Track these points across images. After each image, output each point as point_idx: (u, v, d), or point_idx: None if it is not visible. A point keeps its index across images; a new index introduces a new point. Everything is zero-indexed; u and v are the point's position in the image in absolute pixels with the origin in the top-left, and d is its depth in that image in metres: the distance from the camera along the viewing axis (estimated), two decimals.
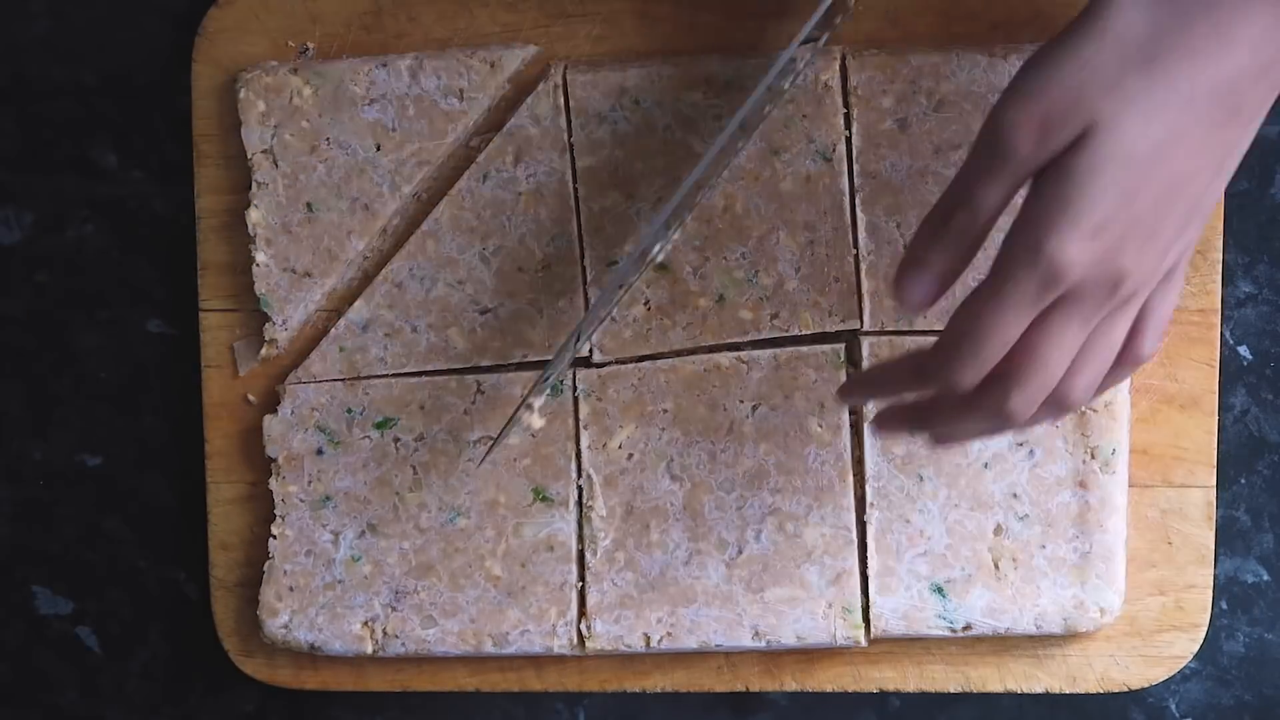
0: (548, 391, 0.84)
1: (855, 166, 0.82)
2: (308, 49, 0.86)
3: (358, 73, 0.84)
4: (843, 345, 0.83)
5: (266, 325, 0.86)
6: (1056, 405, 0.65)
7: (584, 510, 0.85)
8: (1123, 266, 0.61)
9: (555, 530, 0.85)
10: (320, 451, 0.86)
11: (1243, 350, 0.87)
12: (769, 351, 0.84)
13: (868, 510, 0.84)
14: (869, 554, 0.84)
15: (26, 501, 0.92)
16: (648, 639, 0.85)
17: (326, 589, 0.86)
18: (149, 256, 0.90)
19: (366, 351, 0.85)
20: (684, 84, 0.83)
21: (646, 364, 0.84)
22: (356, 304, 0.85)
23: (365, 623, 0.86)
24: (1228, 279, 0.85)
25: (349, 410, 0.85)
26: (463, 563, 0.85)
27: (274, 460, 0.86)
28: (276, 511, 0.86)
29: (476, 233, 0.85)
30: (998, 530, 0.83)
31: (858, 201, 0.83)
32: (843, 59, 0.83)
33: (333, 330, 0.86)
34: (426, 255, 0.85)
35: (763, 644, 0.84)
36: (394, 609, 0.85)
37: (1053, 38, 0.62)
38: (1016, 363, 0.63)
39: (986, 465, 0.83)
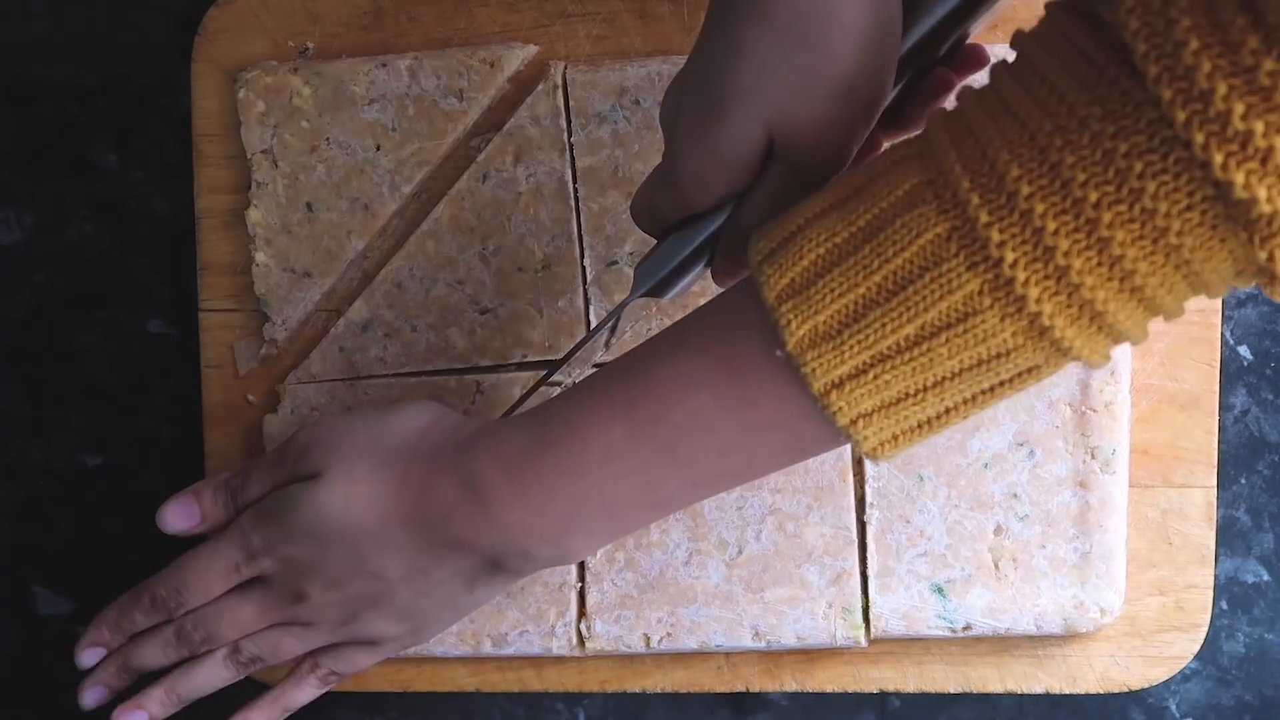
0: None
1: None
2: (308, 49, 0.86)
3: (358, 73, 0.84)
4: None
5: (266, 325, 0.86)
6: (227, 663, 0.78)
7: None
8: (305, 588, 0.74)
9: None
10: None
11: (1243, 350, 0.87)
12: None
13: (868, 510, 0.84)
14: (869, 554, 0.84)
15: (26, 501, 0.92)
16: (648, 639, 0.85)
17: None
18: (149, 256, 0.90)
19: (366, 351, 0.85)
20: None
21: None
22: (356, 304, 0.85)
23: None
24: None
25: (348, 409, 0.85)
26: None
27: None
28: None
29: (476, 233, 0.85)
30: (998, 530, 0.83)
31: None
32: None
33: (332, 330, 0.86)
34: (426, 255, 0.85)
35: (763, 644, 0.84)
36: None
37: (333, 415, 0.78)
38: (207, 605, 0.77)
39: (986, 465, 0.83)
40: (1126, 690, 0.85)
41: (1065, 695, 0.87)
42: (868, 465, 0.83)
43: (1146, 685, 0.85)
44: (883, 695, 0.89)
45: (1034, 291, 0.54)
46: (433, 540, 0.70)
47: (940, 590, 0.83)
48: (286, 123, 0.85)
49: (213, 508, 0.79)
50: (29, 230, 0.91)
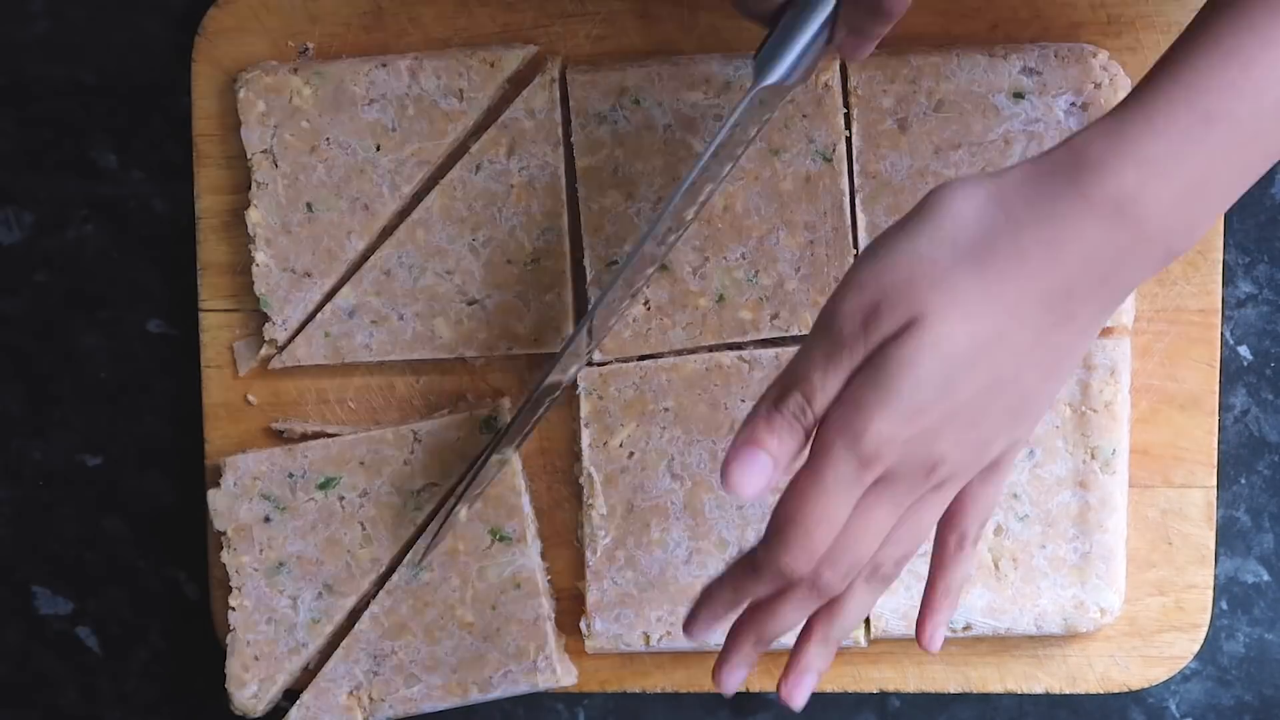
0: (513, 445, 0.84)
1: (855, 166, 0.82)
2: (308, 49, 0.86)
3: (358, 73, 0.84)
4: None
5: (266, 325, 0.85)
6: (871, 583, 0.67)
7: (584, 508, 0.85)
8: (939, 452, 0.62)
9: (518, 567, 0.85)
10: (268, 519, 0.85)
11: (1243, 350, 0.87)
12: (771, 350, 0.83)
13: None
14: None
15: (26, 501, 0.92)
16: (647, 637, 0.84)
17: (291, 654, 0.85)
18: (149, 256, 0.90)
19: (352, 338, 0.85)
20: (684, 84, 0.83)
21: (648, 362, 0.84)
22: (343, 290, 0.85)
23: (351, 692, 0.85)
24: (1228, 279, 0.85)
25: (290, 475, 0.85)
26: (434, 615, 0.85)
27: (223, 533, 0.85)
28: (232, 583, 0.85)
29: (466, 223, 0.84)
30: (998, 530, 0.83)
31: (858, 201, 0.82)
32: (842, 59, 0.82)
33: (319, 316, 0.85)
34: (415, 244, 0.84)
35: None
36: (375, 673, 0.85)
37: (890, 228, 0.63)
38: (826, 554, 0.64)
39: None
40: (1126, 690, 0.85)
41: (1065, 695, 0.86)
42: None
43: (1146, 685, 0.85)
44: (883, 695, 0.88)
45: None
46: (1075, 299, 0.61)
47: None
48: (286, 123, 0.84)
49: (781, 444, 0.63)
50: (29, 230, 0.90)
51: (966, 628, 0.83)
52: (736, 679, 0.70)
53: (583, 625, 0.85)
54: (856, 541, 0.63)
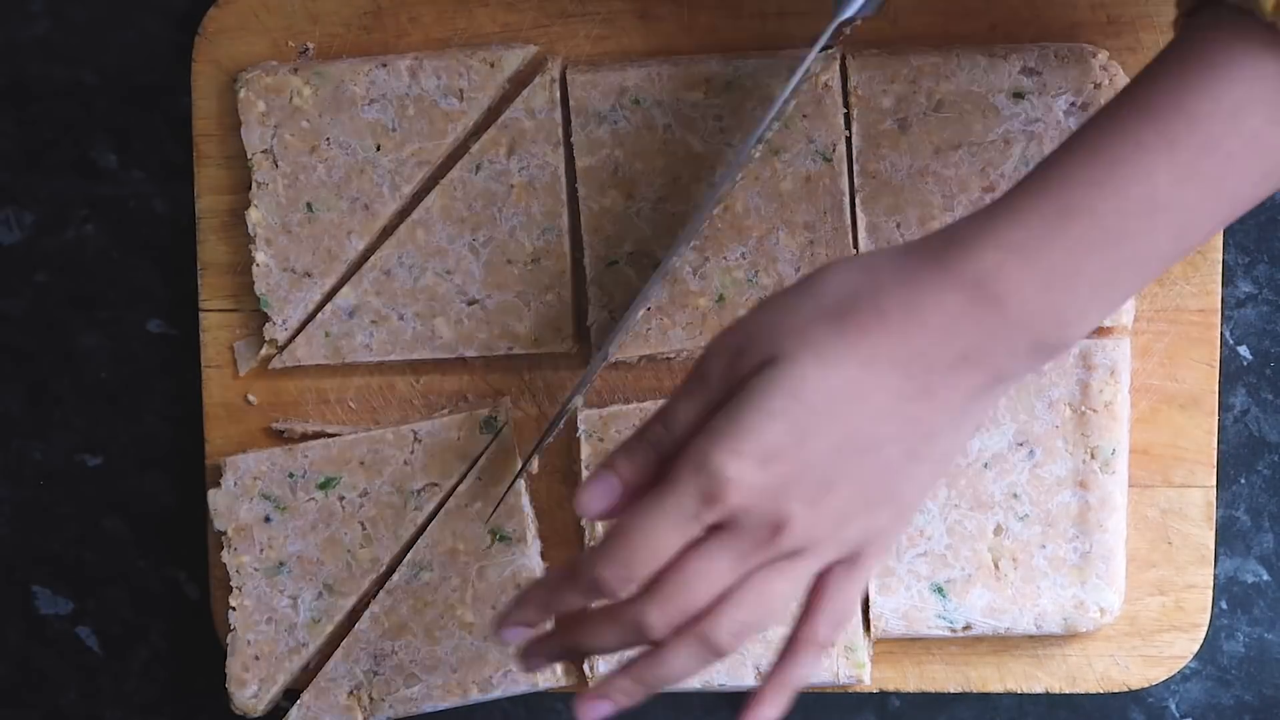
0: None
1: (855, 166, 0.82)
2: (308, 49, 0.86)
3: (358, 73, 0.84)
4: None
5: (266, 325, 0.85)
6: (701, 643, 0.64)
7: (585, 547, 0.85)
8: (787, 510, 0.61)
9: (519, 567, 0.85)
10: (268, 519, 0.85)
11: (1243, 350, 0.86)
12: None
13: None
14: None
15: (26, 501, 0.92)
16: None
17: (291, 654, 0.85)
18: (149, 256, 0.90)
19: (352, 338, 0.85)
20: (684, 84, 0.83)
21: (649, 404, 0.84)
22: (343, 290, 0.85)
23: (351, 691, 0.85)
24: (1228, 279, 0.85)
25: (290, 474, 0.85)
26: (434, 615, 0.85)
27: (223, 533, 0.85)
28: (233, 583, 0.85)
29: (467, 223, 0.84)
30: (998, 530, 0.83)
31: (858, 201, 0.82)
32: (842, 59, 0.82)
33: (319, 316, 0.85)
34: (416, 244, 0.84)
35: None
36: (376, 673, 0.85)
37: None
38: (661, 577, 0.63)
39: (986, 465, 0.83)
40: (1126, 690, 0.85)
41: (1065, 695, 0.86)
42: None
43: (1146, 685, 0.85)
44: (883, 695, 0.88)
45: None
46: (933, 370, 0.61)
47: (940, 590, 0.83)
48: (287, 123, 0.84)
49: (632, 471, 0.65)
50: (29, 230, 0.90)
51: (966, 627, 0.83)
52: (514, 634, 0.68)
53: (586, 668, 0.85)
54: (686, 584, 0.62)
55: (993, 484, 0.83)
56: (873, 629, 0.84)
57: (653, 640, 0.64)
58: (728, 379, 0.63)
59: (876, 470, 0.62)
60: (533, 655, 0.69)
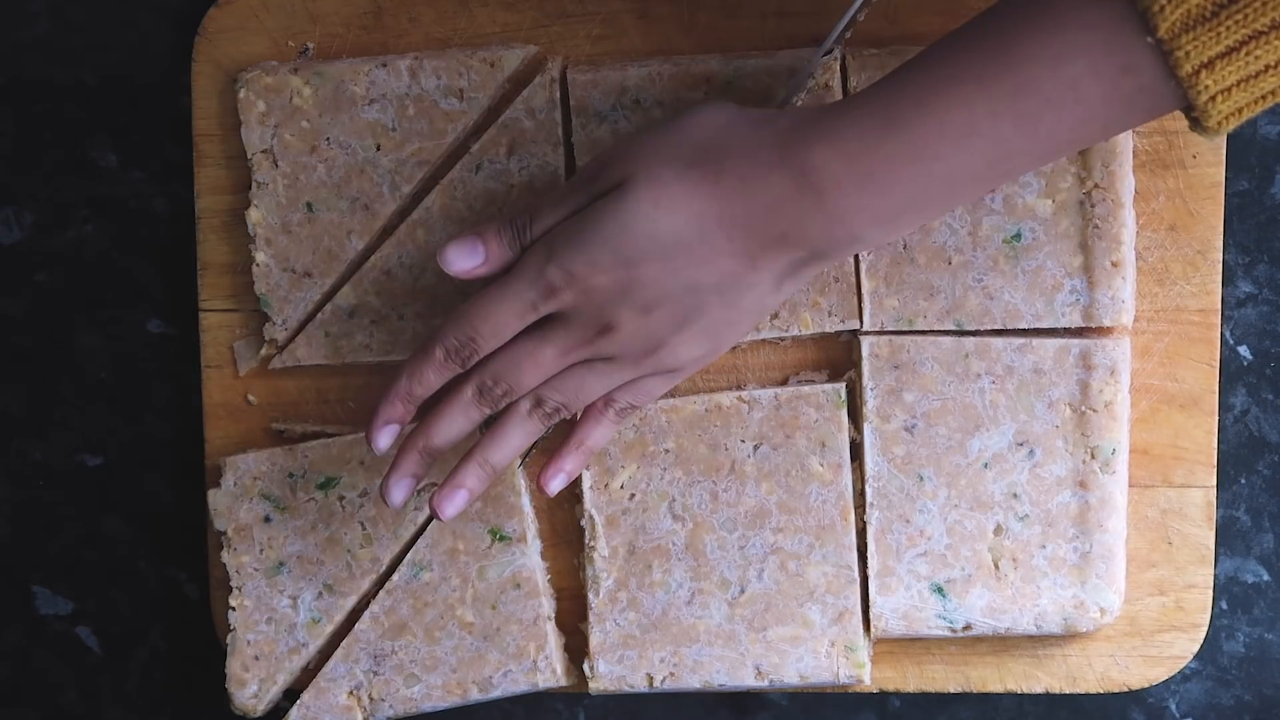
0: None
1: None
2: (308, 49, 0.86)
3: (358, 73, 0.84)
4: (844, 385, 0.83)
5: (266, 325, 0.85)
6: (523, 418, 0.76)
7: (585, 550, 0.84)
8: (611, 316, 0.71)
9: (519, 567, 0.84)
10: (268, 519, 0.85)
11: (1243, 350, 0.86)
12: (770, 390, 0.83)
13: (868, 510, 0.83)
14: (869, 554, 0.83)
15: (26, 501, 0.91)
16: (650, 679, 0.84)
17: (291, 654, 0.85)
18: (149, 256, 0.90)
19: (352, 338, 0.84)
20: (684, 84, 0.82)
21: (649, 405, 0.83)
22: (344, 290, 0.84)
23: (351, 692, 0.85)
24: (1228, 279, 0.85)
25: (290, 475, 0.85)
26: (434, 615, 0.85)
27: (223, 533, 0.85)
28: (232, 583, 0.85)
29: (467, 223, 0.84)
30: (998, 530, 0.82)
31: None
32: (842, 59, 0.82)
33: (319, 316, 0.85)
34: (416, 244, 0.84)
35: (765, 683, 0.83)
36: (375, 673, 0.85)
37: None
38: (495, 354, 0.74)
39: (986, 465, 0.82)
40: (1126, 690, 0.85)
41: (1065, 695, 0.86)
42: (868, 465, 0.83)
43: (1146, 685, 0.85)
44: (883, 695, 0.88)
45: None
46: (754, 238, 0.69)
47: (940, 590, 0.83)
48: (286, 123, 0.84)
49: (498, 247, 0.74)
50: (29, 230, 0.90)
51: (966, 627, 0.83)
52: (401, 489, 0.77)
53: (586, 668, 0.84)
54: (519, 363, 0.73)
55: (992, 484, 0.82)
56: (873, 629, 0.83)
57: (484, 409, 0.75)
58: (588, 190, 0.72)
59: (694, 305, 0.71)
60: (398, 480, 0.77)
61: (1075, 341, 0.81)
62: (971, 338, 0.82)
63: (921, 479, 0.82)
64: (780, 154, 0.68)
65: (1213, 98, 0.61)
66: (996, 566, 0.82)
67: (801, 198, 0.68)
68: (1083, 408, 0.82)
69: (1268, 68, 0.60)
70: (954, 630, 0.83)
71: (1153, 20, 0.60)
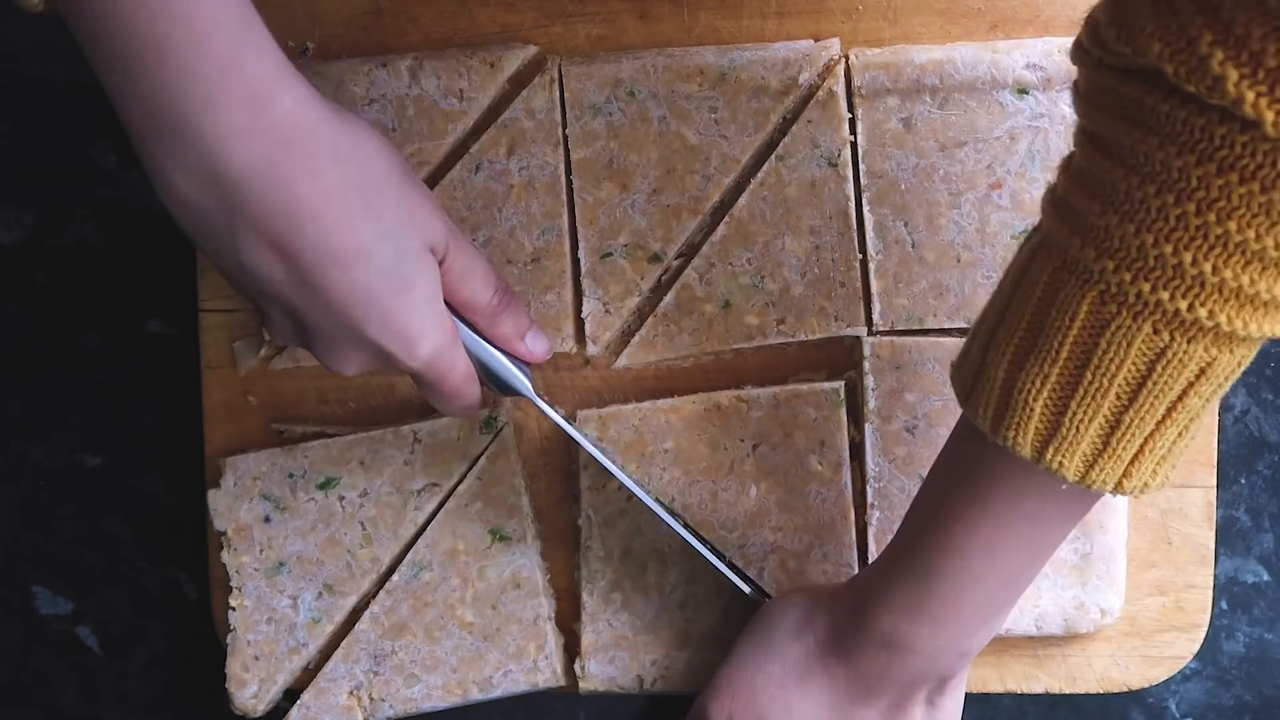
0: None
1: (861, 166, 0.82)
2: (308, 49, 0.85)
3: (358, 73, 0.83)
4: (842, 384, 0.83)
5: None
6: None
7: (582, 549, 0.84)
8: None
9: (519, 567, 0.84)
10: (268, 519, 0.84)
11: None
12: (769, 390, 0.82)
13: (869, 511, 0.82)
14: (869, 555, 0.82)
15: (26, 501, 0.91)
16: (641, 680, 0.84)
17: (291, 654, 0.84)
18: (149, 256, 0.89)
19: None
20: (679, 75, 0.82)
21: (647, 404, 0.83)
22: None
23: (351, 691, 0.85)
24: None
25: (290, 475, 0.84)
26: (434, 615, 0.84)
27: (223, 533, 0.84)
28: (232, 583, 0.84)
29: (467, 223, 0.83)
30: None
31: (865, 201, 0.82)
32: (846, 60, 0.82)
33: None
34: None
35: None
36: (376, 673, 0.84)
37: (741, 636, 0.79)
38: None
39: None
40: (1126, 690, 0.84)
41: (1065, 695, 0.85)
42: (868, 466, 0.82)
43: (1146, 685, 0.84)
44: None
45: (1198, 309, 0.59)
46: (877, 695, 0.76)
47: None
48: None
49: None
50: (29, 230, 0.90)
51: None
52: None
53: (577, 667, 0.84)
54: None
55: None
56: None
57: None
58: None
59: None
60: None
61: None
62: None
63: (923, 479, 0.80)
64: (857, 638, 0.75)
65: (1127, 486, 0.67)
66: None
67: (894, 655, 0.74)
68: None
69: (1140, 449, 0.66)
70: None
71: (1060, 474, 0.66)
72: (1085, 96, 0.63)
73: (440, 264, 0.71)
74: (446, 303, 0.72)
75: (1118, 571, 0.81)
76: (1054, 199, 0.64)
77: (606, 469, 0.81)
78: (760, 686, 0.77)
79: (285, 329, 0.70)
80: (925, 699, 0.76)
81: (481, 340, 0.75)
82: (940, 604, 0.72)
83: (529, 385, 0.77)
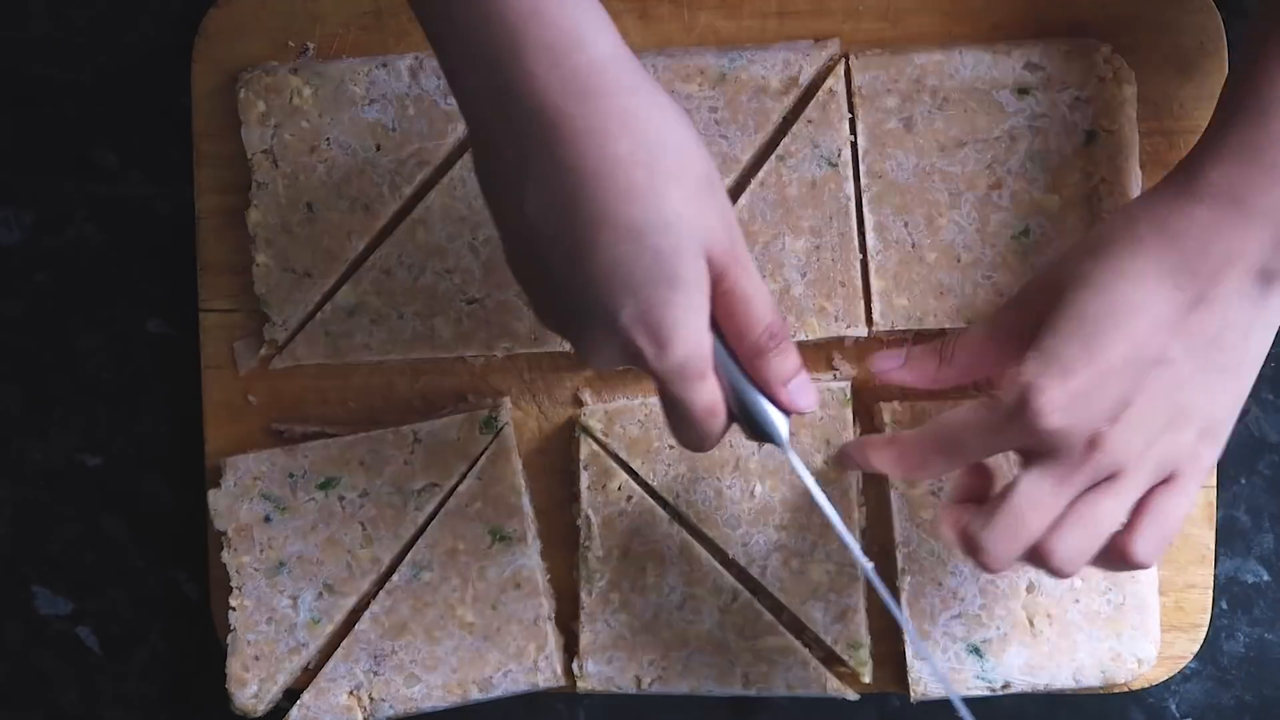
0: None
1: (861, 167, 0.81)
2: (308, 49, 0.85)
3: (358, 73, 0.83)
4: (848, 383, 0.82)
5: (266, 325, 0.84)
6: (1046, 564, 0.69)
7: (580, 550, 0.83)
8: (1094, 426, 0.67)
9: (519, 566, 0.83)
10: (268, 519, 0.84)
11: None
12: None
13: (900, 576, 0.81)
14: (905, 620, 0.81)
15: (26, 501, 0.90)
16: (638, 680, 0.83)
17: (291, 654, 0.84)
18: (149, 256, 0.89)
19: (351, 337, 0.84)
20: (679, 76, 0.82)
21: (653, 399, 0.83)
22: (344, 289, 0.84)
23: (351, 692, 0.84)
24: None
25: (290, 475, 0.84)
26: (435, 615, 0.83)
27: (223, 533, 0.84)
28: (232, 583, 0.84)
29: (466, 222, 0.83)
30: (1030, 588, 0.81)
31: (865, 201, 0.81)
32: (846, 61, 0.81)
33: (319, 315, 0.84)
34: (415, 243, 0.83)
35: (753, 691, 0.82)
36: (376, 673, 0.84)
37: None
38: (993, 509, 0.69)
39: None
40: (1126, 690, 0.83)
41: (1065, 695, 0.84)
42: (896, 532, 0.81)
43: (1146, 685, 0.84)
44: (883, 695, 0.86)
45: None
46: (1198, 276, 0.68)
47: (977, 650, 0.81)
48: (286, 123, 0.83)
49: (920, 363, 0.77)
50: (29, 230, 0.89)
51: (1005, 685, 0.81)
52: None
53: (575, 667, 0.83)
54: (1015, 508, 0.68)
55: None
56: (912, 692, 0.81)
57: (994, 571, 0.70)
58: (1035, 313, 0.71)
59: (1170, 384, 0.68)
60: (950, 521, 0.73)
61: None
62: None
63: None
64: (1182, 191, 0.69)
65: None
66: (1031, 624, 0.81)
67: (1223, 214, 0.68)
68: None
69: None
70: (993, 689, 0.81)
71: None
72: None
73: (717, 284, 0.67)
74: (715, 330, 0.68)
75: (1151, 620, 0.80)
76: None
77: (606, 469, 0.80)
78: (1064, 262, 0.71)
79: (545, 307, 0.68)
80: (1241, 286, 0.69)
81: (743, 377, 0.70)
82: (1256, 149, 0.68)
83: (784, 435, 0.71)
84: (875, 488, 0.82)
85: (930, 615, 0.81)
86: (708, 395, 0.67)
